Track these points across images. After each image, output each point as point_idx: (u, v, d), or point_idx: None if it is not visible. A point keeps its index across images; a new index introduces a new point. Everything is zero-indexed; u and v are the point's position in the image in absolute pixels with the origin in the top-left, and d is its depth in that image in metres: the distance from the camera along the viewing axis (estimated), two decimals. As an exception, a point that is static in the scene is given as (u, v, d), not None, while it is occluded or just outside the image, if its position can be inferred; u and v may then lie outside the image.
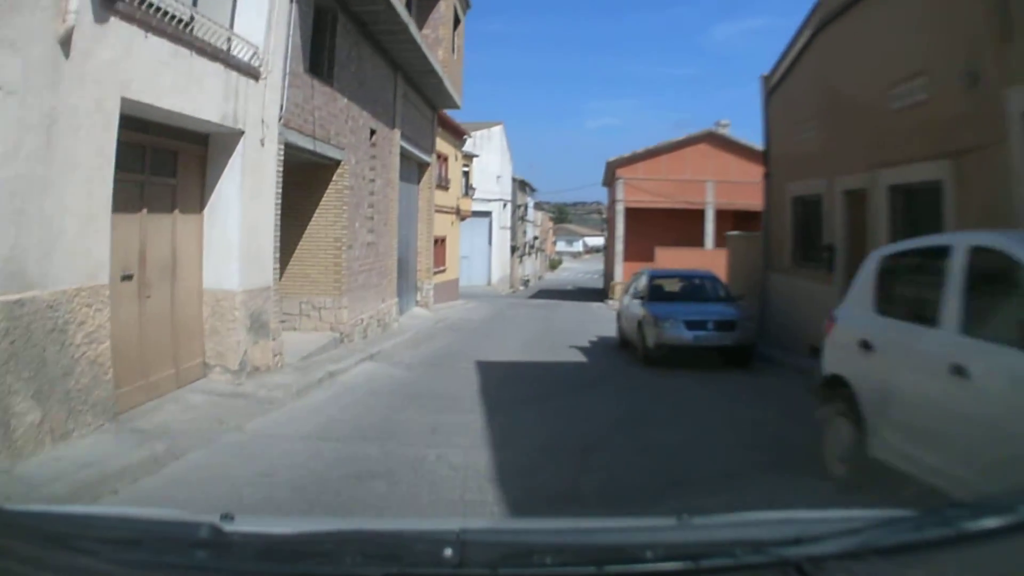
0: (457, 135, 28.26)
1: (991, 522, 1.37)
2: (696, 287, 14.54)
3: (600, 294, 45.90)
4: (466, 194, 30.21)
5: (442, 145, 25.95)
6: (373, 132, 14.66)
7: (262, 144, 9.02)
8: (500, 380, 10.57)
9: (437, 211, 25.98)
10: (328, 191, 12.71)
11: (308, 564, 1.26)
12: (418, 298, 20.55)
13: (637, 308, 13.49)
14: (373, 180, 14.77)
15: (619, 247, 32.80)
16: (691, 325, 12.17)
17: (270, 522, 1.93)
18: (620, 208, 32.80)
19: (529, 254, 61.43)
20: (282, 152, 9.79)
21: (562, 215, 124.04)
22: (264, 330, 9.18)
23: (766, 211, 15.91)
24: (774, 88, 15.42)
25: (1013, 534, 1.34)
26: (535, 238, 63.58)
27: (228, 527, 1.35)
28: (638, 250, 33.34)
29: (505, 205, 46.55)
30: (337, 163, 12.68)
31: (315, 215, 12.67)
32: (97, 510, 2.14)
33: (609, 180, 37.87)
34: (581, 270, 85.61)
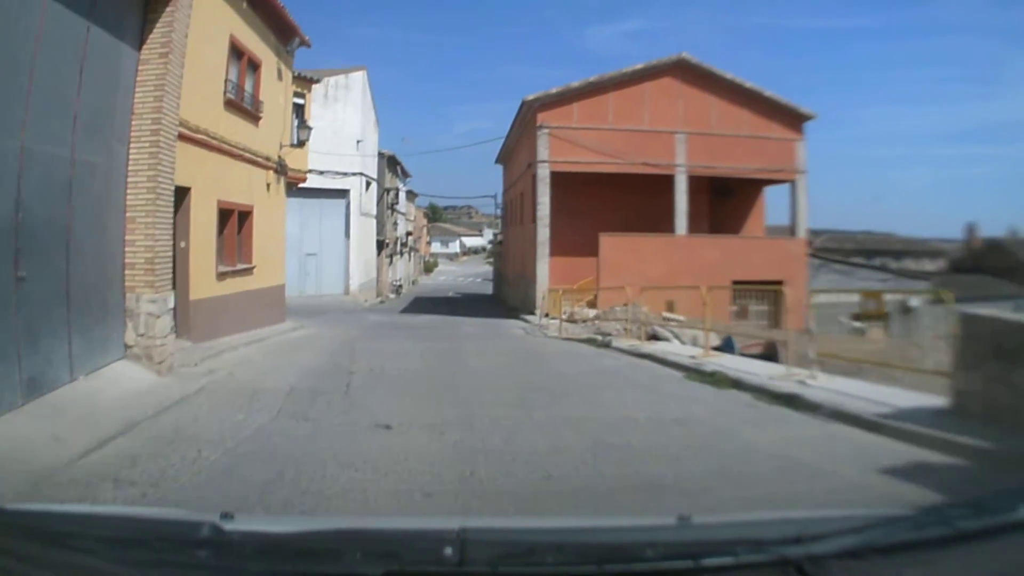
0: (282, 33, 15.99)
1: (991, 521, 1.40)
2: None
3: (494, 302, 34.63)
4: (299, 144, 18.15)
5: (242, 32, 13.64)
6: None
7: None
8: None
9: (231, 154, 13.63)
10: None
11: (309, 562, 1.25)
12: (130, 339, 8.00)
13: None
14: None
15: (542, 235, 21.65)
16: None
17: (270, 521, 1.98)
18: (543, 174, 21.67)
19: (401, 253, 49.17)
20: None
21: (436, 214, 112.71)
22: None
23: None
24: None
25: (1012, 533, 1.36)
26: (408, 234, 51.39)
27: (228, 526, 1.33)
28: (572, 240, 22.39)
29: (368, 185, 34.19)
30: None
31: None
32: (97, 509, 1.95)
33: (519, 136, 26.69)
34: (460, 273, 74.66)
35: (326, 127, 29.79)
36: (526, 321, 20.27)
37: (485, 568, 1.21)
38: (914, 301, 22.81)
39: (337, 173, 29.90)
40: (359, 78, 31.96)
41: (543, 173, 21.83)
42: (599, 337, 14.59)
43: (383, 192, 39.59)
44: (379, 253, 38.13)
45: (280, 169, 16.87)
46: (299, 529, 1.44)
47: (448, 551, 1.22)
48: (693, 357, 10.36)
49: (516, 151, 28.73)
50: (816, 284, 24.03)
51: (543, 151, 21.87)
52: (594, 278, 21.47)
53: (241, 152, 14.22)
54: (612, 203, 23.56)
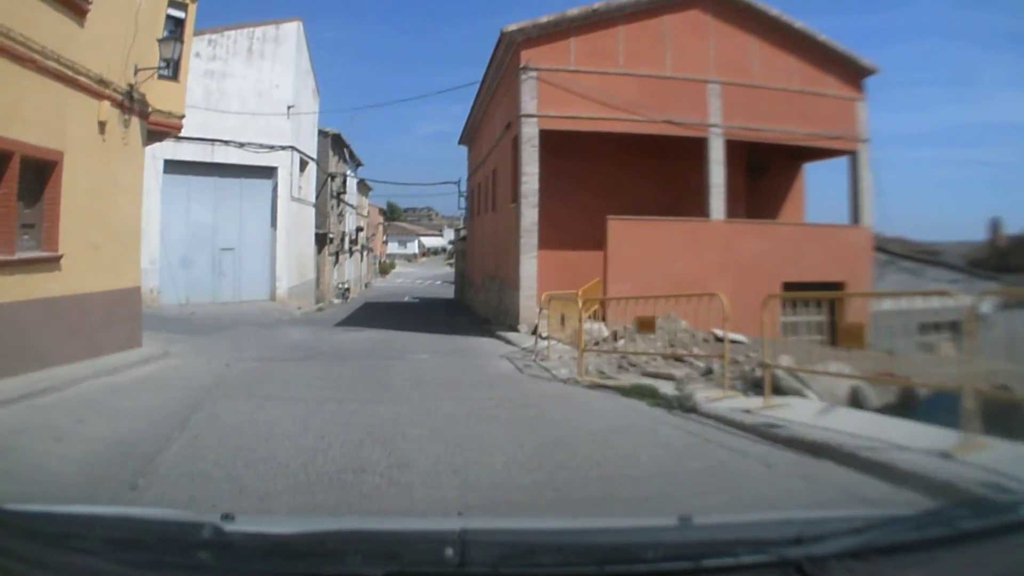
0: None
1: (991, 522, 1.42)
2: None
3: (457, 310, 28.73)
4: (172, 75, 12.10)
5: None
6: None
7: None
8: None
9: (13, 54, 7.52)
10: None
11: (309, 564, 1.25)
12: None
13: None
14: None
15: (528, 218, 15.77)
16: None
17: (271, 522, 1.94)
18: (529, 133, 15.84)
19: (350, 252, 42.88)
20: None
21: (394, 214, 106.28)
22: None
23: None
24: None
25: (1012, 534, 1.38)
26: (358, 230, 45.09)
27: (229, 527, 1.33)
28: (566, 227, 16.69)
29: (305, 166, 27.97)
30: None
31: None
32: (98, 510, 1.87)
33: (494, 90, 20.66)
34: (419, 275, 68.71)
35: (249, 88, 23.67)
36: (508, 342, 14.40)
37: (486, 569, 1.20)
38: (985, 306, 17.49)
39: (262, 147, 23.69)
40: (293, 30, 25.73)
41: (529, 132, 16.00)
42: (653, 383, 8.71)
43: (327, 178, 33.33)
44: (320, 250, 31.86)
45: (129, 102, 10.71)
46: (300, 530, 1.42)
47: (449, 552, 1.21)
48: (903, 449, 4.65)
49: (488, 115, 22.83)
50: (883, 286, 18.70)
51: (529, 102, 16.03)
52: (600, 279, 15.76)
53: (39, 58, 8.17)
54: (621, 178, 17.83)
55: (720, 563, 1.24)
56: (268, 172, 24.02)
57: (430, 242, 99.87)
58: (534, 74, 16.05)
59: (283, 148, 24.21)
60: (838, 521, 1.52)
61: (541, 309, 12.99)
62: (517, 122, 16.54)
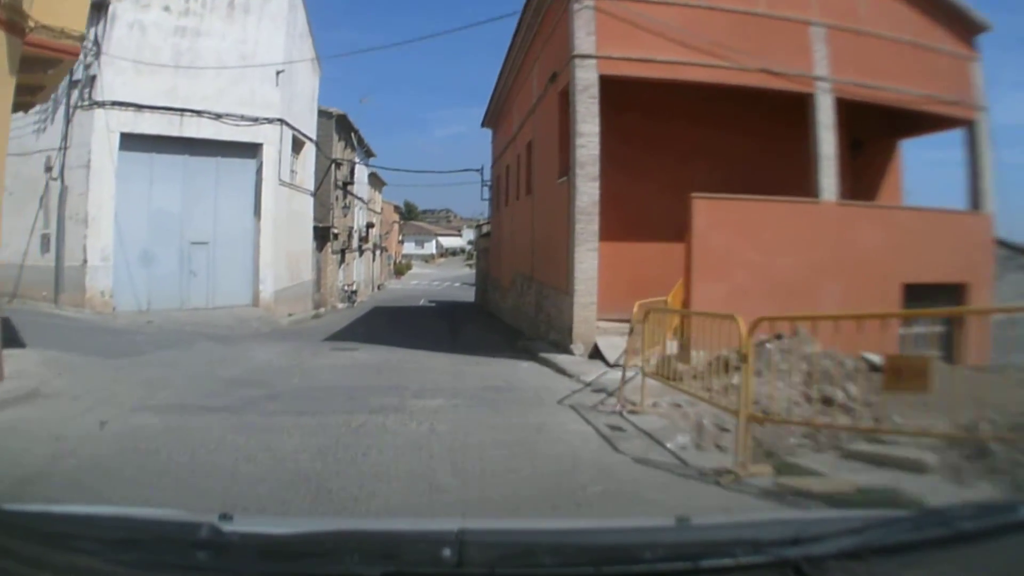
0: None
1: (989, 522, 1.40)
2: None
3: (479, 316, 24.32)
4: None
5: None
6: None
7: None
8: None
9: None
10: None
11: (307, 564, 1.25)
12: None
13: None
14: None
15: (585, 196, 11.22)
16: None
17: (269, 522, 1.93)
18: (586, 80, 11.36)
19: (360, 251, 38.63)
20: None
21: (411, 212, 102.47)
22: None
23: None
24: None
25: (1011, 534, 1.37)
26: (369, 225, 40.81)
27: (227, 527, 1.33)
28: (629, 214, 12.31)
29: (300, 146, 23.67)
30: None
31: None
32: (97, 510, 1.80)
33: (532, 38, 15.84)
34: (436, 277, 64.49)
35: (229, 49, 19.37)
36: (561, 371, 9.93)
37: (483, 569, 1.20)
38: None
39: (243, 119, 19.39)
40: (282, -20, 21.41)
41: (585, 78, 11.48)
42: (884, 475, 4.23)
43: (330, 165, 29.04)
44: (321, 247, 27.56)
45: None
46: (297, 530, 1.41)
47: (447, 552, 1.21)
48: None
49: (522, 75, 18.26)
50: (1003, 287, 14.07)
51: (585, 38, 11.52)
52: (681, 282, 11.26)
53: None
54: (701, 147, 13.35)
55: (718, 563, 1.23)
56: (251, 150, 19.70)
57: (448, 242, 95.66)
58: (591, 2, 11.55)
59: (270, 121, 19.88)
60: (836, 521, 1.53)
61: (631, 328, 8.26)
62: (568, 68, 12.07)
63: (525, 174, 17.66)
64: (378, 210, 49.38)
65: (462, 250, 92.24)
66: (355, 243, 36.06)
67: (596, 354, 10.80)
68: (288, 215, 21.43)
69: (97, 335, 13.95)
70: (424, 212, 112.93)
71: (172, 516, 1.66)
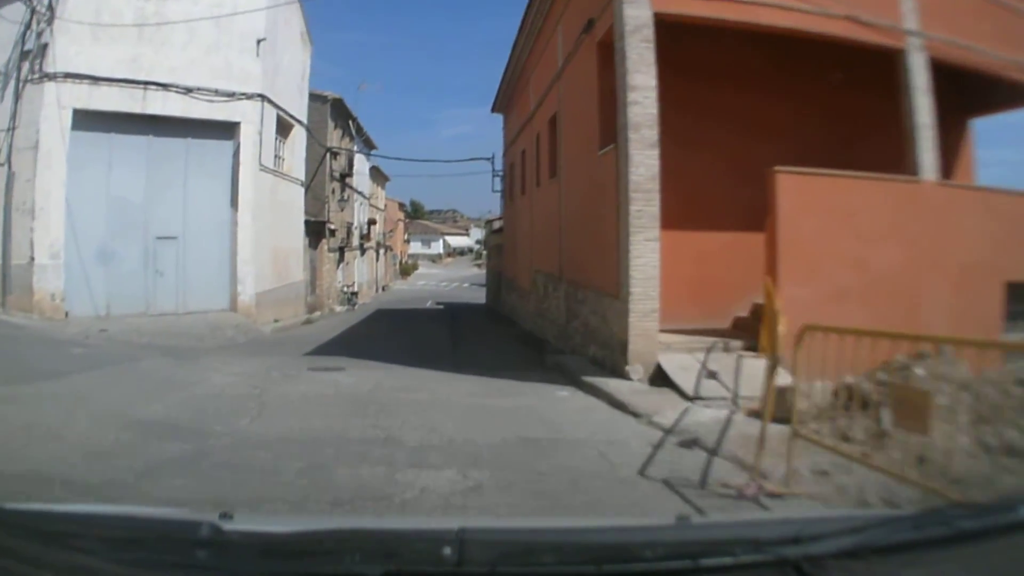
0: None
1: (989, 522, 1.39)
2: None
3: (492, 319, 21.64)
4: None
5: None
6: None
7: None
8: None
9: None
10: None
11: (307, 563, 1.25)
12: None
13: None
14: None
15: (641, 170, 8.44)
16: None
17: (269, 521, 1.90)
18: (636, 20, 8.59)
19: (362, 249, 35.94)
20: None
21: (417, 212, 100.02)
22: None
23: None
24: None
25: (1011, 534, 1.36)
26: (371, 223, 38.06)
27: (227, 526, 1.31)
28: (690, 195, 9.46)
29: (287, 129, 20.97)
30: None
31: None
32: (97, 509, 1.75)
33: None
34: (444, 277, 61.86)
35: (202, 15, 16.67)
36: (620, 406, 7.14)
37: (484, 568, 1.20)
38: None
39: (218, 94, 16.69)
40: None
41: (637, 17, 8.64)
42: None
43: (325, 154, 26.33)
44: (316, 244, 24.83)
45: None
46: (298, 529, 1.39)
47: (447, 551, 1.20)
48: None
49: (545, 33, 15.33)
50: None
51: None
52: (770, 281, 8.43)
53: None
54: (765, 118, 10.58)
55: (718, 562, 1.22)
56: (227, 130, 16.97)
57: (456, 242, 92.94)
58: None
59: (248, 96, 17.14)
60: (836, 521, 1.51)
61: (772, 361, 5.20)
62: (611, 7, 9.27)
63: (547, 155, 14.86)
64: (381, 206, 46.67)
65: (470, 250, 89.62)
66: (355, 241, 33.32)
67: (661, 379, 8.02)
68: (273, 206, 18.69)
69: (29, 347, 11.36)
70: (431, 212, 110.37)
71: (172, 515, 1.66)
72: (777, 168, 8.80)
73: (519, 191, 20.61)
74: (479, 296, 35.69)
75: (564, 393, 8.13)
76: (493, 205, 29.79)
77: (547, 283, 14.56)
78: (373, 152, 38.87)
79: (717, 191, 10.34)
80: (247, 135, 17.06)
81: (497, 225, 29.89)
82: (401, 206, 64.17)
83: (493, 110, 26.25)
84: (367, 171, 38.37)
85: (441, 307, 30.52)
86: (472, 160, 34.65)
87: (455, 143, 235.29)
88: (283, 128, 20.22)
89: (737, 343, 9.11)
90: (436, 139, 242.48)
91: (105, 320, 14.97)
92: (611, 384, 8.02)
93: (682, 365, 8.32)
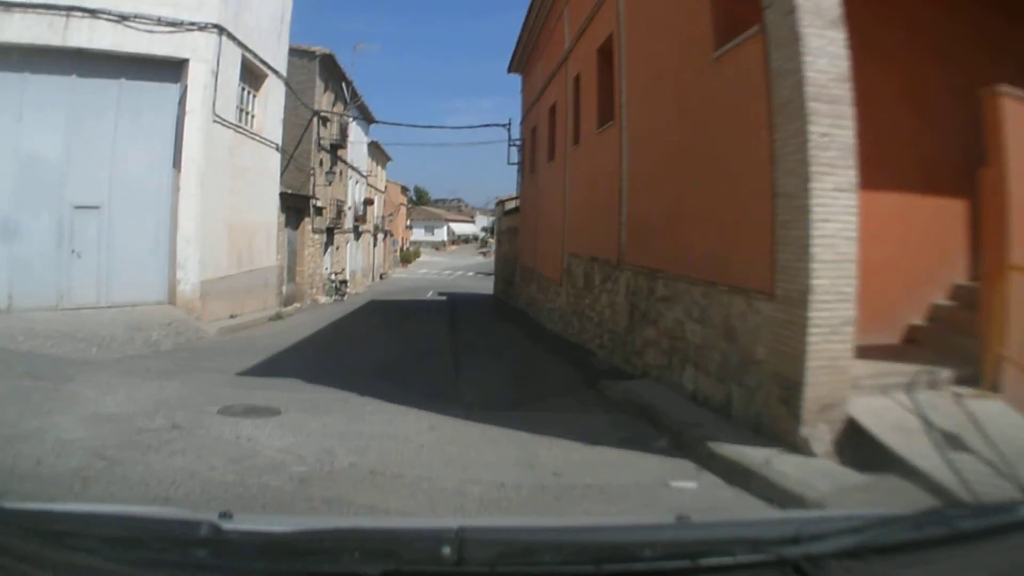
0: None
1: (989, 522, 1.38)
2: None
3: (505, 315, 17.87)
4: None
5: None
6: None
7: None
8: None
9: None
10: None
11: (307, 562, 1.23)
12: None
13: None
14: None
15: (821, 63, 4.62)
16: None
17: (269, 520, 1.83)
18: None
19: (357, 232, 32.04)
20: None
21: (421, 199, 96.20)
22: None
23: None
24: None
25: (1012, 534, 1.34)
26: (367, 203, 34.05)
27: (227, 525, 1.29)
28: (877, 132, 5.33)
29: (258, 79, 17.03)
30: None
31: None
32: (97, 508, 1.74)
33: None
34: (448, 265, 58.11)
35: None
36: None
37: (483, 567, 1.18)
38: None
39: (161, 23, 12.77)
40: None
41: None
42: None
43: (312, 118, 22.38)
44: (295, 222, 20.89)
45: None
46: (297, 528, 1.36)
47: (446, 550, 1.18)
48: None
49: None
50: None
51: None
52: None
53: None
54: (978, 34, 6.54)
55: (718, 562, 1.21)
56: (173, 70, 13.05)
57: (460, 229, 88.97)
58: None
59: (201, 28, 13.18)
60: (836, 520, 1.48)
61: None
62: None
63: (595, 98, 10.92)
64: (381, 188, 42.73)
65: (475, 237, 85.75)
66: (348, 222, 29.37)
67: (860, 446, 4.18)
68: (234, 172, 14.75)
69: None
70: (436, 202, 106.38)
71: (172, 514, 1.66)
72: (999, 88, 4.94)
73: (544, 160, 16.68)
74: (485, 286, 31.87)
75: (687, 486, 4.20)
76: (501, 192, 25.92)
77: (591, 271, 10.63)
78: (373, 124, 34.91)
79: (885, 131, 6.41)
80: (197, 77, 13.12)
81: (510, 206, 25.94)
82: (404, 190, 60.16)
83: (510, 70, 22.35)
84: (364, 146, 34.39)
85: (444, 298, 26.63)
86: (485, 127, 30.36)
87: (463, 134, 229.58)
88: (252, 77, 16.28)
89: (945, 372, 5.28)
90: (444, 131, 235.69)
91: (5, 315, 11.17)
92: (778, 464, 4.13)
93: (894, 421, 4.48)
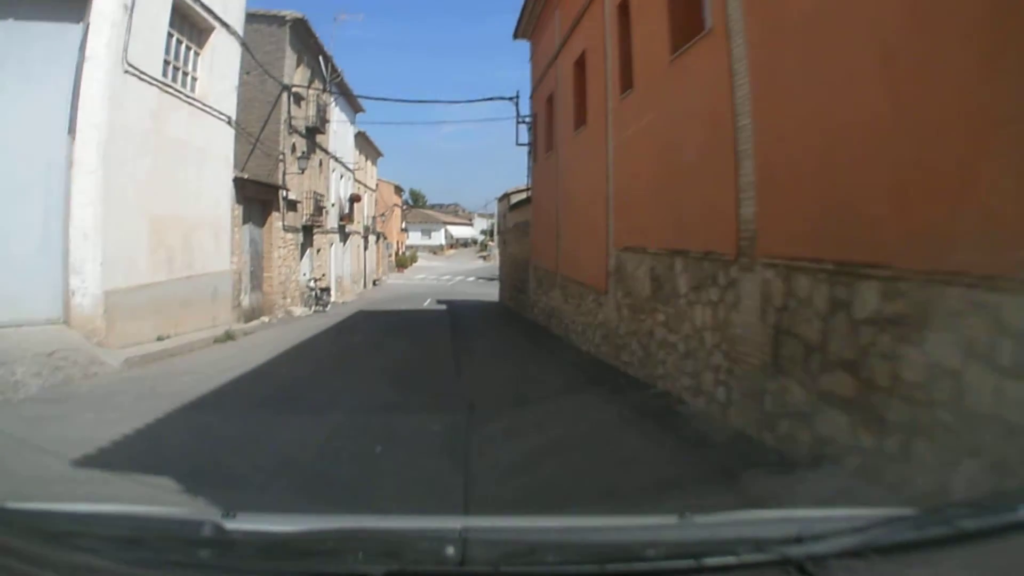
0: None
1: (992, 521, 1.35)
2: None
3: (520, 329, 14.20)
4: None
5: None
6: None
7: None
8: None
9: None
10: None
11: (310, 562, 1.21)
12: None
13: None
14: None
15: None
16: None
17: (272, 520, 1.73)
18: None
19: (343, 233, 28.47)
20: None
21: (417, 202, 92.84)
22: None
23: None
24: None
25: (1014, 533, 1.31)
26: (353, 200, 30.36)
27: (230, 525, 1.28)
28: None
29: (201, 33, 13.42)
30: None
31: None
32: (99, 508, 1.69)
33: None
34: (446, 270, 54.73)
35: None
36: None
37: (487, 567, 1.17)
38: None
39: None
40: None
41: None
42: None
43: (280, 93, 18.83)
44: (259, 218, 17.25)
45: None
46: (300, 528, 1.34)
47: (450, 550, 1.17)
48: None
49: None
50: None
51: None
52: None
53: None
54: None
55: (721, 562, 1.18)
56: (72, 6, 9.48)
57: (458, 232, 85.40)
58: None
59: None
60: (839, 520, 1.43)
61: None
62: None
63: (666, 5, 7.35)
64: (372, 185, 39.17)
65: (474, 241, 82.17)
66: (331, 221, 25.75)
67: None
68: (160, 145, 11.11)
69: None
70: (432, 206, 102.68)
71: (175, 514, 1.65)
72: None
73: (566, 131, 13.15)
74: (488, 292, 28.37)
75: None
76: (500, 194, 22.51)
77: (670, 272, 7.04)
78: (360, 113, 31.36)
79: None
80: (103, 11, 9.54)
81: (517, 198, 22.37)
82: (398, 190, 56.51)
83: (516, 35, 18.95)
84: (351, 137, 30.83)
85: (444, 307, 23.04)
86: (491, 100, 27.16)
87: (455, 138, 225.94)
88: (193, 28, 12.71)
89: None
90: (438, 135, 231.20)
91: None
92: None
93: None
